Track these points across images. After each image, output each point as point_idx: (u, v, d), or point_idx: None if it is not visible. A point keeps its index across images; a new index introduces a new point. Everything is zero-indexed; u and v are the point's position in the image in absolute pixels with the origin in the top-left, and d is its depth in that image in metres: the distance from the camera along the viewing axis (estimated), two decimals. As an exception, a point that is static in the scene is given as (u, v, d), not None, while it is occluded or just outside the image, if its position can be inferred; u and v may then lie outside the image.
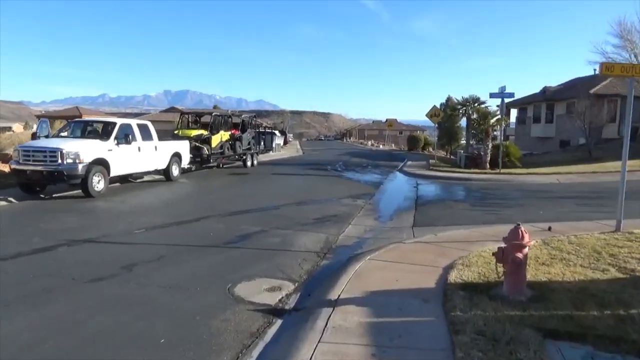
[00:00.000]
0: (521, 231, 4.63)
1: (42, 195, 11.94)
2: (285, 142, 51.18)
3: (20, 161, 11.24)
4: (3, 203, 10.80)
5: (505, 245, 4.71)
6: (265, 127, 47.23)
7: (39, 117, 32.59)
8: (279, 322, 4.47)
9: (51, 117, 33.90)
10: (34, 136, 12.95)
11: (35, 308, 4.52)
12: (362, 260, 6.15)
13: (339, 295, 4.84)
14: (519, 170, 20.51)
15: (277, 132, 46.14)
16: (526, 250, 4.66)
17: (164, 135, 19.67)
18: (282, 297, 5.11)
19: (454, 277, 5.26)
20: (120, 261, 6.12)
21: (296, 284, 5.57)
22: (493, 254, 4.87)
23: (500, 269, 4.84)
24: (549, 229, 7.81)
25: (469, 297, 4.61)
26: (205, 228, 8.39)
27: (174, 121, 23.40)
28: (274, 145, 34.26)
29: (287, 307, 4.87)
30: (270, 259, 6.55)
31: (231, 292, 5.17)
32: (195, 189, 14.86)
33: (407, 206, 11.84)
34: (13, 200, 11.09)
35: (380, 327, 4.03)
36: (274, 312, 4.70)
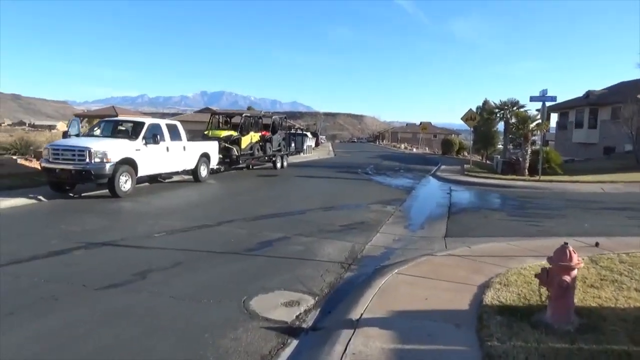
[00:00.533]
0: (569, 251, 4.09)
1: (71, 194, 11.97)
2: (317, 144, 50.95)
3: (50, 159, 11.30)
4: (33, 201, 10.85)
5: (550, 266, 4.18)
6: (297, 129, 47.15)
7: (76, 115, 33.41)
8: (294, 343, 4.08)
9: (89, 117, 34.75)
10: (65, 135, 13.04)
11: (37, 318, 4.28)
12: (389, 274, 5.70)
13: (362, 315, 4.42)
14: (560, 177, 19.49)
15: (308, 133, 45.93)
16: (574, 272, 4.12)
17: (196, 135, 19.72)
18: (300, 314, 4.72)
19: (490, 298, 4.75)
20: (135, 267, 5.87)
21: (316, 299, 5.17)
22: (536, 275, 4.35)
23: (544, 292, 4.31)
24: (597, 244, 7.13)
25: (507, 323, 4.10)
26: (227, 233, 8.11)
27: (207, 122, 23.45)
28: (305, 147, 34.03)
29: (304, 325, 4.48)
30: (291, 269, 6.18)
31: (246, 305, 4.81)
32: (222, 190, 14.68)
33: (440, 214, 11.26)
34: (42, 198, 11.13)
35: (405, 355, 3.59)
36: (290, 331, 4.31)
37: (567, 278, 4.05)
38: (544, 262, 6.20)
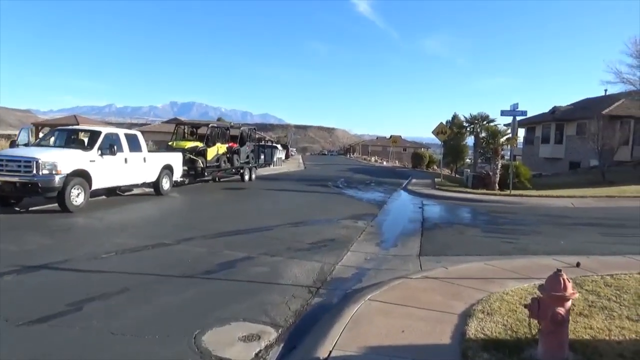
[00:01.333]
0: (563, 279, 3.63)
1: (16, 209, 11.02)
2: (287, 156, 50.35)
3: (-7, 171, 10.33)
4: (-29, 216, 9.88)
5: (541, 295, 3.72)
6: (268, 141, 46.48)
7: (35, 124, 31.88)
8: (250, 390, 3.47)
9: (48, 126, 33.15)
10: (13, 144, 12.07)
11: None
12: (361, 300, 5.14)
13: (330, 352, 3.84)
14: (529, 192, 19.48)
15: (279, 145, 45.30)
16: (569, 304, 3.66)
17: (164, 146, 18.82)
18: (260, 351, 4.11)
19: (473, 329, 4.25)
20: (72, 295, 5.12)
21: (280, 331, 4.56)
22: (525, 306, 3.86)
23: (534, 323, 3.84)
24: (578, 265, 6.75)
25: (495, 362, 3.60)
26: (184, 253, 7.40)
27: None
28: (274, 159, 33.37)
29: (264, 366, 3.87)
30: (253, 294, 5.55)
31: (197, 342, 4.16)
32: (185, 204, 13.90)
33: (413, 230, 10.83)
34: (-17, 213, 10.17)
35: (382, 408, 3.02)
36: (246, 374, 3.69)
37: (562, 310, 3.58)
38: (526, 285, 5.82)
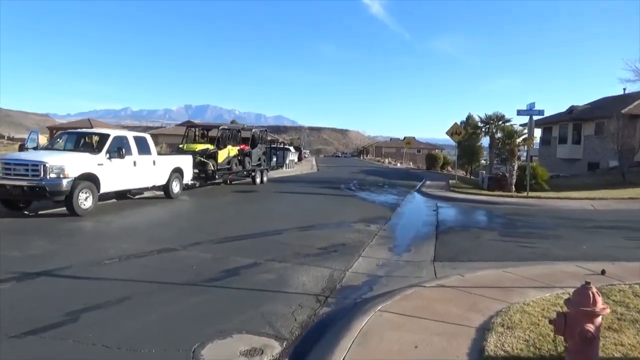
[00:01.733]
0: (592, 293, 3.28)
1: (25, 212, 10.93)
2: (300, 159, 50.15)
3: (1, 175, 10.24)
4: (-20, 220, 9.80)
5: (568, 310, 3.38)
6: (281, 143, 46.35)
7: (49, 128, 32.21)
8: (250, 412, 3.20)
9: (63, 129, 33.45)
10: (22, 148, 12.00)
11: None
12: (372, 311, 4.85)
13: (337, 371, 3.56)
14: (547, 193, 18.95)
15: (291, 147, 45.11)
16: (599, 320, 3.32)
17: (176, 149, 18.68)
18: (263, 367, 3.84)
19: (493, 345, 3.93)
20: (69, 304, 4.92)
21: (284, 344, 4.29)
22: (550, 321, 3.53)
23: (560, 339, 3.52)
24: (603, 272, 6.39)
25: (517, 383, 3.28)
26: (189, 258, 7.17)
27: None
28: (287, 162, 33.19)
29: (265, 384, 3.60)
30: (258, 304, 5.28)
31: (196, 356, 3.91)
32: (194, 208, 13.72)
33: (427, 234, 10.48)
34: (-8, 217, 10.09)
35: None
36: (246, 394, 3.42)
37: (591, 327, 3.24)
38: (548, 295, 5.46)
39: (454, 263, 7.59)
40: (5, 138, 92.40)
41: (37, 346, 3.98)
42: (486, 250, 8.67)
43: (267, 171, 22.92)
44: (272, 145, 27.12)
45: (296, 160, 43.06)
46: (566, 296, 5.36)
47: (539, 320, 4.48)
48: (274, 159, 25.37)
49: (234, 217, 12.19)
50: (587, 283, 3.39)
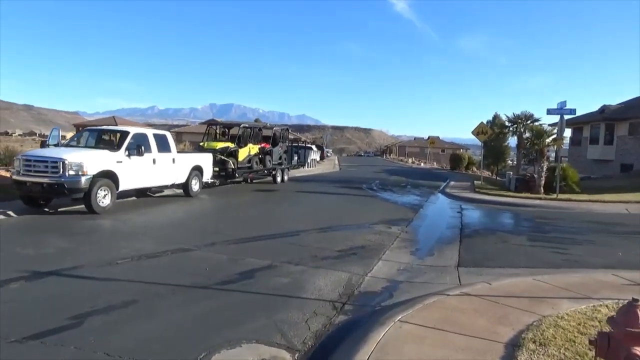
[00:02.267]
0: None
1: (46, 209, 10.93)
2: (322, 157, 49.86)
3: (21, 171, 10.26)
4: (0, 217, 9.82)
5: (612, 330, 3.00)
6: (303, 142, 46.19)
7: (76, 125, 32.74)
8: None
9: (89, 126, 33.95)
10: (44, 144, 12.04)
11: None
12: (391, 321, 4.52)
13: (351, 389, 3.25)
14: (578, 196, 18.16)
15: (313, 146, 44.86)
16: (649, 342, 2.93)
17: (196, 147, 18.62)
18: (271, 381, 3.57)
19: (524, 365, 3.56)
20: (76, 307, 4.74)
21: (296, 356, 4.01)
22: (590, 342, 3.15)
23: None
24: (644, 283, 5.90)
25: (553, 412, 2.92)
26: (203, 260, 6.95)
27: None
28: (309, 161, 32.95)
29: (273, 402, 3.32)
30: (271, 310, 5.01)
31: (201, 368, 3.66)
32: (212, 207, 13.57)
33: (450, 237, 10.06)
34: (12, 214, 10.10)
35: None
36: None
37: (639, 352, 2.86)
38: (584, 308, 5.02)
39: (480, 269, 7.19)
40: (37, 135, 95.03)
41: (37, 353, 3.80)
42: (514, 256, 8.21)
43: (288, 170, 22.70)
44: (294, 144, 26.90)
45: (318, 159, 42.80)
46: (604, 309, 4.97)
47: (574, 336, 4.08)
48: (295, 158, 25.14)
49: (252, 216, 11.97)
50: (635, 300, 2.99)
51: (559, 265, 7.53)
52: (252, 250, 7.77)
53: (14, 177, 10.47)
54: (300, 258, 7.31)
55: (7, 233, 8.48)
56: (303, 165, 29.54)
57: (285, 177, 21.75)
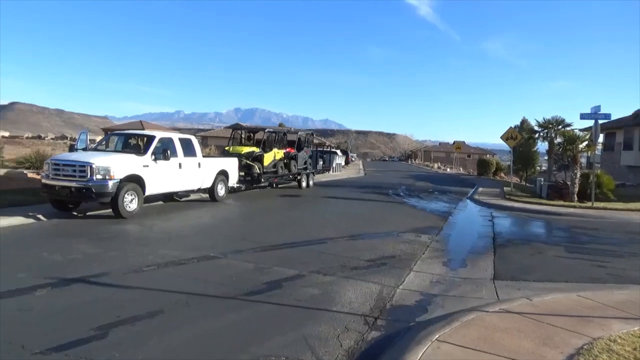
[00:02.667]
0: None
1: (74, 213, 10.99)
2: (347, 162, 49.60)
3: (50, 175, 10.34)
4: (31, 221, 9.92)
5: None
6: (327, 146, 46.04)
7: (104, 129, 33.32)
8: None
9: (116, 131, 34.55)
10: (72, 148, 12.15)
11: None
12: (428, 340, 4.24)
13: (389, 418, 3.00)
14: (614, 204, 17.46)
15: (338, 151, 44.64)
16: None
17: (221, 151, 18.60)
18: (302, 405, 3.34)
19: (578, 395, 3.24)
20: (100, 317, 4.62)
21: (328, 377, 3.78)
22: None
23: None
24: (701, 302, 5.46)
25: None
26: (230, 268, 6.79)
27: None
28: (334, 165, 32.74)
29: None
30: (300, 324, 4.80)
31: (228, 387, 3.47)
32: (238, 212, 13.46)
33: (483, 247, 9.69)
34: (42, 217, 10.20)
35: None
36: None
37: None
38: (637, 329, 4.62)
39: (518, 282, 6.84)
40: (68, 139, 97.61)
41: (59, 366, 3.67)
42: (553, 269, 7.81)
43: (313, 175, 22.52)
44: (319, 149, 26.72)
45: (343, 163, 42.55)
46: (660, 331, 4.58)
47: (632, 364, 3.74)
48: (321, 163, 24.95)
49: (279, 222, 11.80)
50: None
51: (603, 279, 7.12)
52: (279, 258, 7.58)
53: (43, 180, 10.56)
54: (329, 268, 7.08)
55: (36, 237, 8.52)
56: (328, 170, 29.34)
57: (311, 182, 21.57)
